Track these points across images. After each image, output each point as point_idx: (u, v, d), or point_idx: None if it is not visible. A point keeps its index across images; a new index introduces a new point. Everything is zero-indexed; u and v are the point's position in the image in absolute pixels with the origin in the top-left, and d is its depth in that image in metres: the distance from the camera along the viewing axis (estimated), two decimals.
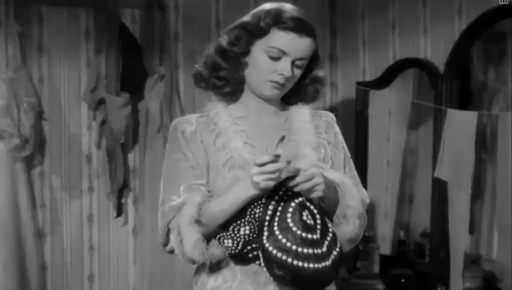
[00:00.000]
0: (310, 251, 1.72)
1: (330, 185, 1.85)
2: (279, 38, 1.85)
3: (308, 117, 2.01)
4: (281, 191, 1.77)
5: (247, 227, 1.78)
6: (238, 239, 1.78)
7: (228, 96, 1.96)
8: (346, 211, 1.89)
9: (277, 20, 1.85)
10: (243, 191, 1.78)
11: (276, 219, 1.75)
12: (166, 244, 1.93)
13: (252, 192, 1.77)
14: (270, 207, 1.77)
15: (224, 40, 1.91)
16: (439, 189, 3.57)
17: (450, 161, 3.46)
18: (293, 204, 1.76)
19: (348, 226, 1.89)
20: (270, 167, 1.69)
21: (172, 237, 1.88)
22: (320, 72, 2.00)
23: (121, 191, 4.18)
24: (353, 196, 1.90)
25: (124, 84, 4.06)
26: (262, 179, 1.71)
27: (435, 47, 3.80)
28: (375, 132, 4.21)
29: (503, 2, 3.29)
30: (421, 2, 3.88)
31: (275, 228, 1.74)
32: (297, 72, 1.91)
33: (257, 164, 1.71)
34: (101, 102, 4.08)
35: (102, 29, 4.05)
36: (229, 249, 1.79)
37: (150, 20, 4.18)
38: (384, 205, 4.17)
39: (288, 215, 1.75)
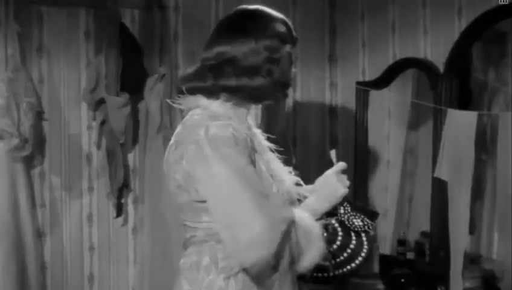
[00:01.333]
0: None
1: None
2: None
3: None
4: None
5: None
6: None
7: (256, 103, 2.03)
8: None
9: (291, 36, 2.00)
10: (338, 192, 2.01)
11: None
12: (275, 253, 1.76)
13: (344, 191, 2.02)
14: None
15: (267, 48, 1.94)
16: (439, 189, 3.57)
17: (450, 161, 3.46)
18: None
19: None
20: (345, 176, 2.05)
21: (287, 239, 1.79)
22: None
23: (120, 191, 4.18)
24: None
25: (124, 84, 4.05)
26: (345, 185, 2.02)
27: (434, 47, 3.80)
28: (375, 131, 4.21)
29: (503, 1, 3.29)
30: (421, 2, 3.88)
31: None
32: None
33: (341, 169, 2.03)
34: (101, 102, 4.08)
35: (102, 30, 4.05)
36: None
37: (149, 20, 4.18)
38: (384, 204, 4.17)
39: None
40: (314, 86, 4.61)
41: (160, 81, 4.12)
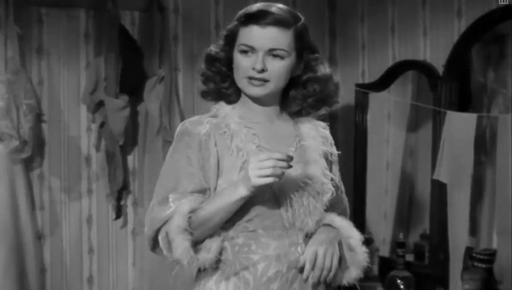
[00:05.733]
0: None
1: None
2: (244, 34, 1.89)
3: (313, 125, 2.04)
4: None
5: None
6: None
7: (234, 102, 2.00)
8: (349, 242, 1.99)
9: (239, 18, 1.91)
10: (235, 192, 1.79)
11: None
12: (153, 249, 1.96)
13: (244, 192, 1.78)
14: None
15: (213, 51, 1.98)
16: (439, 191, 3.57)
17: (449, 163, 3.46)
18: None
19: (357, 255, 2.01)
20: (270, 163, 1.71)
21: (160, 240, 1.89)
22: (317, 72, 1.99)
23: (120, 193, 4.18)
24: (348, 227, 2.01)
25: (123, 86, 4.05)
26: (257, 174, 1.72)
27: (434, 49, 3.80)
28: (375, 134, 4.21)
29: (503, 2, 3.29)
30: (421, 4, 3.88)
31: None
32: (279, 64, 1.89)
33: (259, 159, 1.73)
34: (100, 104, 4.08)
35: (102, 32, 4.04)
36: None
37: (149, 22, 4.18)
38: (383, 206, 4.16)
39: None
40: None
41: (160, 83, 4.11)
